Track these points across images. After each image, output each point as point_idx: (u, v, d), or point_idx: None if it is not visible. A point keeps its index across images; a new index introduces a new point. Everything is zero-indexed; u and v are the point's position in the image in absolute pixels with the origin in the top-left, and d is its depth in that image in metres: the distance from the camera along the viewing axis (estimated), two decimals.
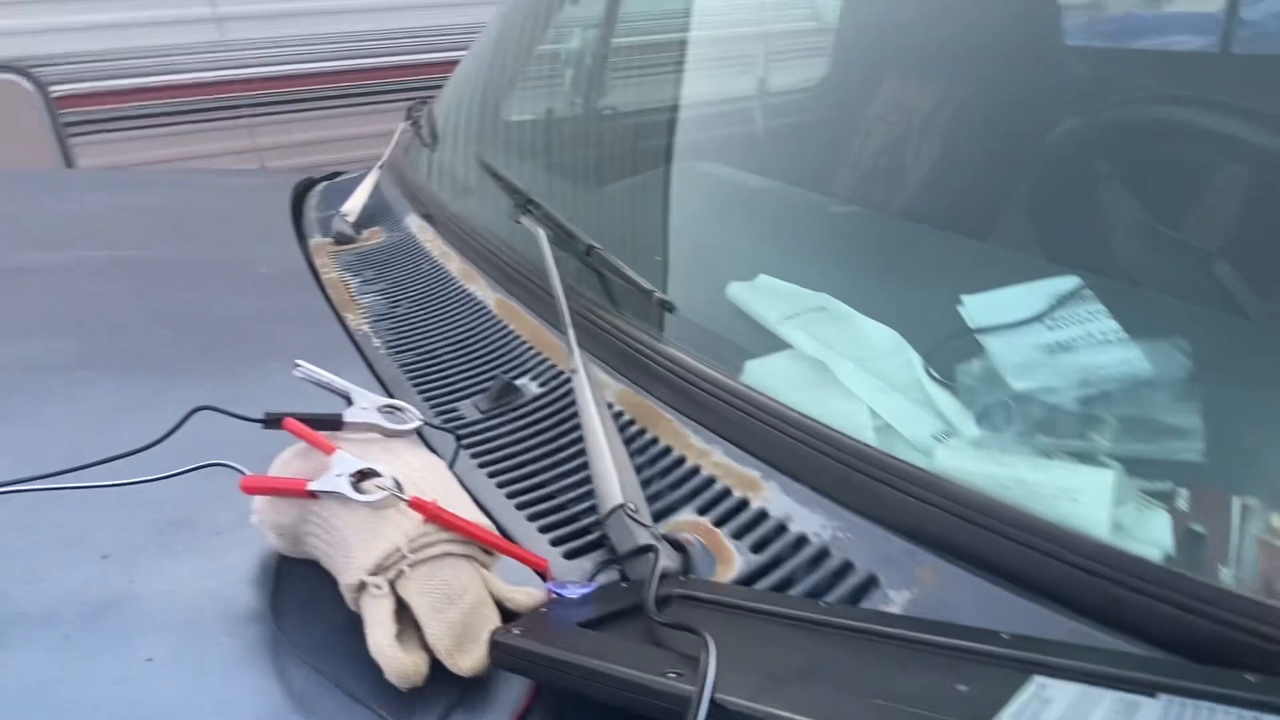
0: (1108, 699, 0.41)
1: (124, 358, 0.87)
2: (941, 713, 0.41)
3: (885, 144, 1.18)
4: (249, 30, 3.15)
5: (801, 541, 0.63)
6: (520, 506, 0.72)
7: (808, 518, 0.64)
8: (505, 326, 1.03)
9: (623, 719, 0.46)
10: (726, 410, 0.74)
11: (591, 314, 0.93)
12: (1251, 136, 0.92)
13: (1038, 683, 0.43)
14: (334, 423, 0.61)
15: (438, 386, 0.93)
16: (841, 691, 0.45)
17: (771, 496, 0.67)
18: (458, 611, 0.51)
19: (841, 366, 0.75)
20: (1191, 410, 0.63)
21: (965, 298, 0.79)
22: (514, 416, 0.86)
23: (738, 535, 0.65)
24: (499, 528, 0.69)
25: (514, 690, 0.53)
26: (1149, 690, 0.42)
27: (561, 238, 1.03)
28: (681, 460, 0.73)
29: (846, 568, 0.60)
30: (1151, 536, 0.56)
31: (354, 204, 1.51)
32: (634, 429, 0.79)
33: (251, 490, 0.56)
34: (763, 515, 0.66)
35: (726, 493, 0.69)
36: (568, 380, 0.89)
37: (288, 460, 0.59)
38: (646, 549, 0.60)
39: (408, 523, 0.52)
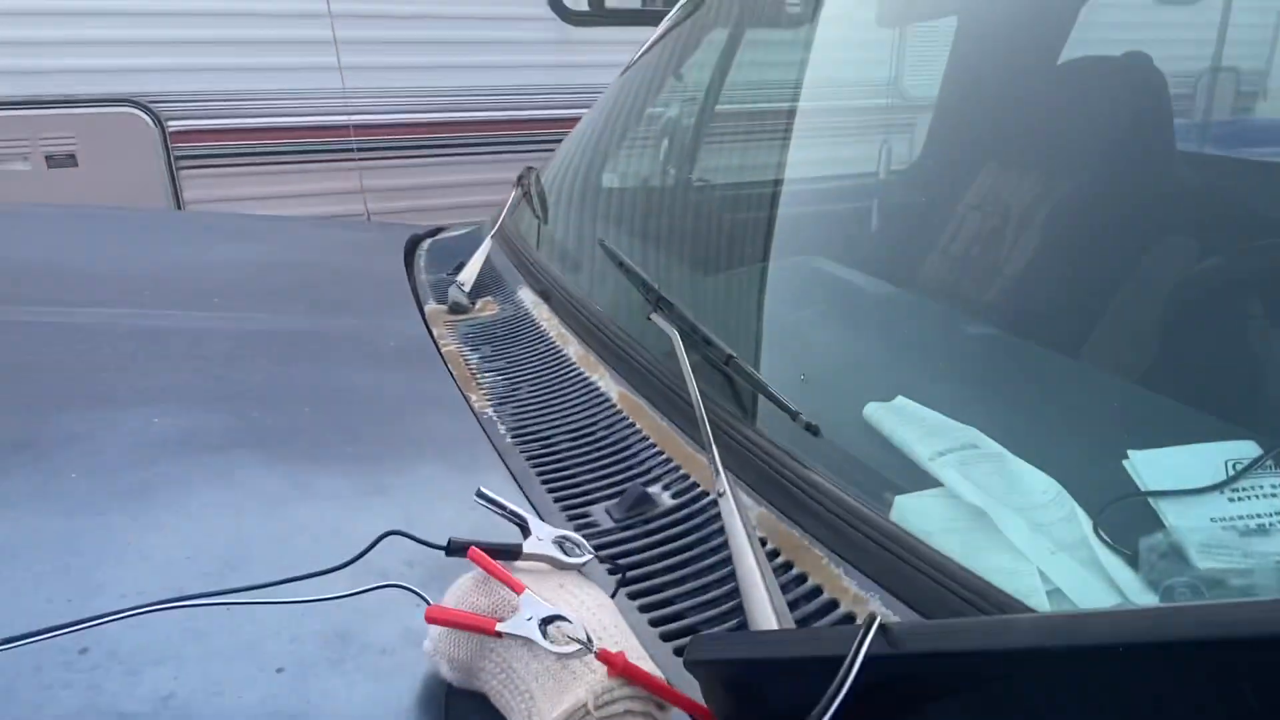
0: None
1: (273, 437, 0.90)
2: None
3: (1033, 255, 1.17)
4: (368, 80, 3.29)
5: None
6: (665, 638, 0.71)
7: None
8: (631, 424, 1.03)
9: None
10: (884, 556, 0.72)
11: (727, 425, 0.92)
12: None
13: None
14: (513, 552, 0.61)
15: (567, 486, 0.93)
16: None
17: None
18: None
19: (1004, 518, 0.73)
20: None
21: (1133, 453, 0.77)
22: (649, 529, 0.85)
23: None
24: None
25: None
26: None
27: (695, 340, 1.03)
28: (834, 604, 0.72)
29: None
30: None
31: (469, 273, 1.54)
32: (778, 561, 0.78)
33: (436, 621, 0.56)
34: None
35: None
36: (704, 494, 0.88)
37: (467, 590, 0.59)
38: None
39: (593, 676, 0.52)
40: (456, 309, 1.44)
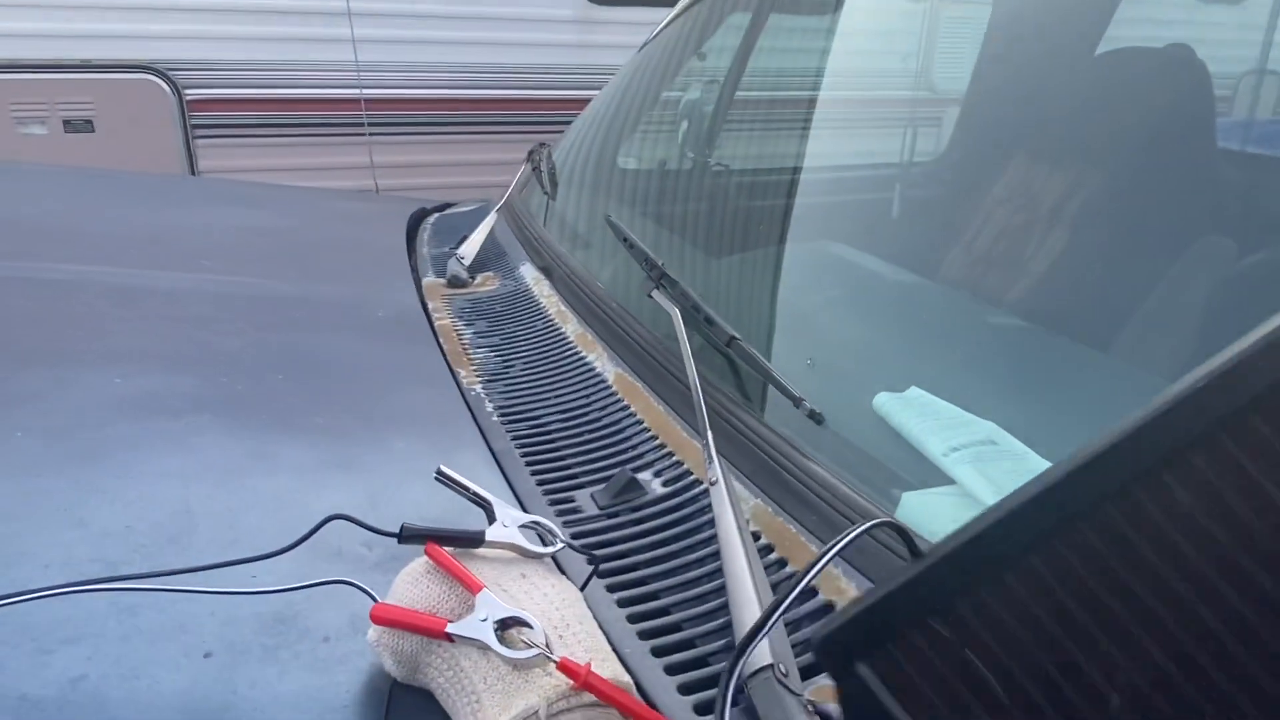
0: None
1: (239, 404, 0.84)
2: None
3: (1045, 239, 1.10)
4: (381, 54, 3.24)
5: None
6: (644, 636, 0.65)
7: None
8: (625, 407, 0.97)
9: None
10: (889, 559, 0.65)
11: (725, 410, 0.86)
12: None
13: None
14: (475, 540, 0.55)
15: (552, 469, 0.87)
16: None
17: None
18: None
19: None
20: None
21: None
22: (635, 518, 0.79)
23: None
24: (623, 662, 0.62)
25: None
26: None
27: (697, 319, 0.97)
28: (830, 607, 0.65)
29: None
30: None
31: (470, 247, 1.48)
32: (772, 557, 0.71)
33: (382, 621, 0.51)
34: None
35: None
36: (696, 483, 0.82)
37: (419, 575, 0.53)
38: None
39: (547, 681, 0.46)
40: (455, 282, 1.39)
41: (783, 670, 0.56)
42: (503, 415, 0.97)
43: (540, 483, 0.85)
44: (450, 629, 0.47)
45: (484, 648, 0.46)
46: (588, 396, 1.01)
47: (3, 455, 0.70)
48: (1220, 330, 0.93)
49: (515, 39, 3.42)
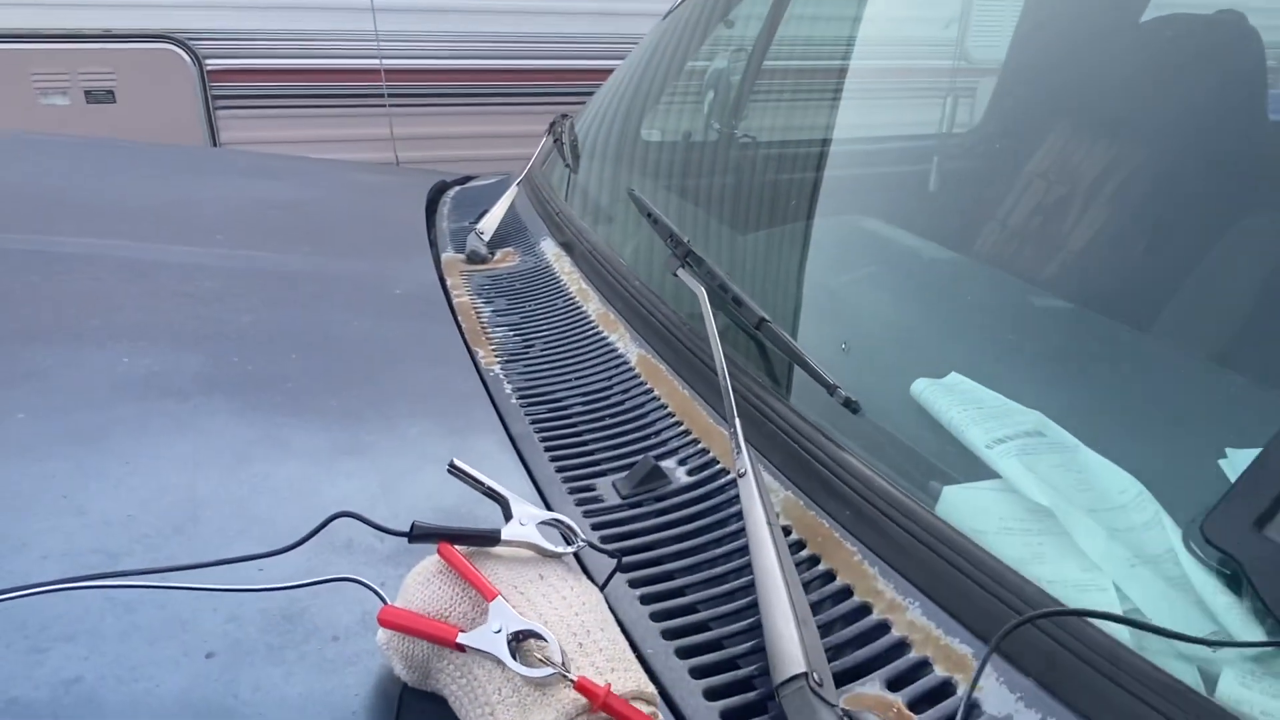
0: None
1: (248, 384, 0.81)
2: None
3: (1085, 215, 1.04)
4: (401, 23, 3.19)
5: None
6: (668, 635, 0.61)
7: None
8: (649, 391, 0.93)
9: None
10: (926, 556, 0.61)
11: (754, 396, 0.82)
12: None
13: None
14: (491, 538, 0.52)
15: (572, 454, 0.84)
16: None
17: (988, 686, 0.54)
18: None
19: (1074, 520, 0.62)
20: None
21: (1231, 451, 0.65)
22: (659, 509, 0.75)
23: None
24: (646, 666, 0.58)
25: None
26: None
27: (724, 300, 0.92)
28: (866, 609, 0.61)
29: None
30: None
31: (490, 221, 1.44)
32: (804, 554, 0.67)
33: (390, 626, 0.47)
34: (975, 710, 0.53)
35: (925, 667, 0.56)
36: (723, 472, 0.78)
37: (431, 575, 0.50)
38: None
39: (566, 695, 0.43)
40: (474, 258, 1.35)
41: (816, 679, 0.53)
42: (521, 397, 0.94)
43: (560, 469, 0.81)
44: (462, 639, 0.44)
45: (497, 662, 0.43)
46: (609, 379, 0.97)
47: (2, 437, 0.68)
48: (1272, 310, 0.87)
49: (537, 6, 3.35)
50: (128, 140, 2.09)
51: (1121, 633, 0.54)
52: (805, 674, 0.52)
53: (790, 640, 0.54)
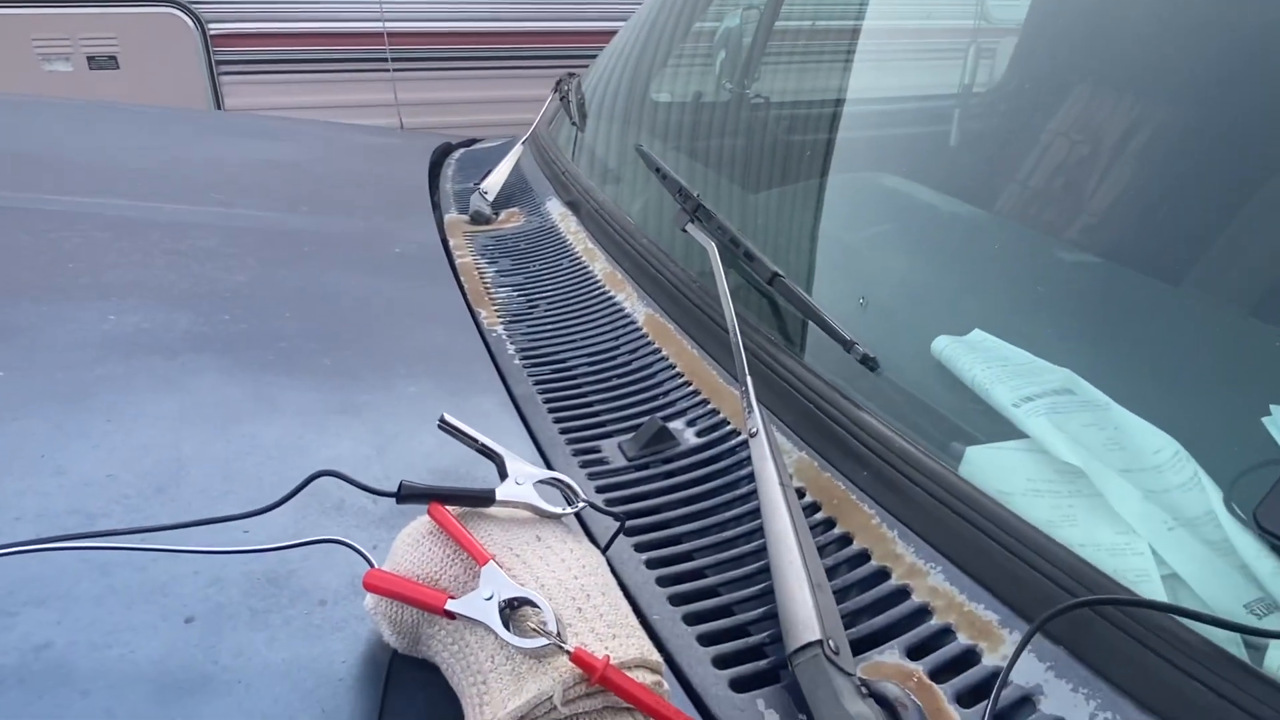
0: None
1: (239, 342, 0.78)
2: None
3: (1107, 168, 0.99)
4: None
5: None
6: (675, 601, 0.58)
7: (1070, 698, 0.48)
8: (657, 351, 0.90)
9: None
10: (949, 519, 0.58)
11: (766, 354, 0.78)
12: None
13: None
14: (485, 499, 0.48)
15: (576, 415, 0.80)
16: None
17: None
18: None
19: (1107, 480, 0.58)
20: None
21: (1276, 408, 0.61)
22: (666, 471, 0.72)
23: (964, 701, 0.49)
24: (652, 632, 0.55)
25: None
26: None
27: (735, 255, 0.89)
28: (884, 574, 0.58)
29: None
30: None
31: (494, 181, 1.40)
32: (818, 517, 0.64)
33: (376, 590, 0.44)
34: (999, 678, 0.50)
35: (948, 634, 0.53)
36: (734, 434, 0.75)
37: (419, 540, 0.47)
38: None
39: (562, 665, 0.40)
40: (478, 219, 1.31)
41: (832, 647, 0.49)
42: (525, 358, 0.90)
43: (563, 430, 0.78)
44: (451, 606, 0.41)
45: (490, 628, 0.40)
46: (616, 339, 0.94)
47: None
48: None
49: None
50: (126, 102, 2.05)
51: (1159, 597, 0.50)
52: (820, 641, 0.49)
53: (804, 606, 0.51)
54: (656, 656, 0.44)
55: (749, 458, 0.67)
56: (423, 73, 3.28)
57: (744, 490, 0.68)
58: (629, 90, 1.65)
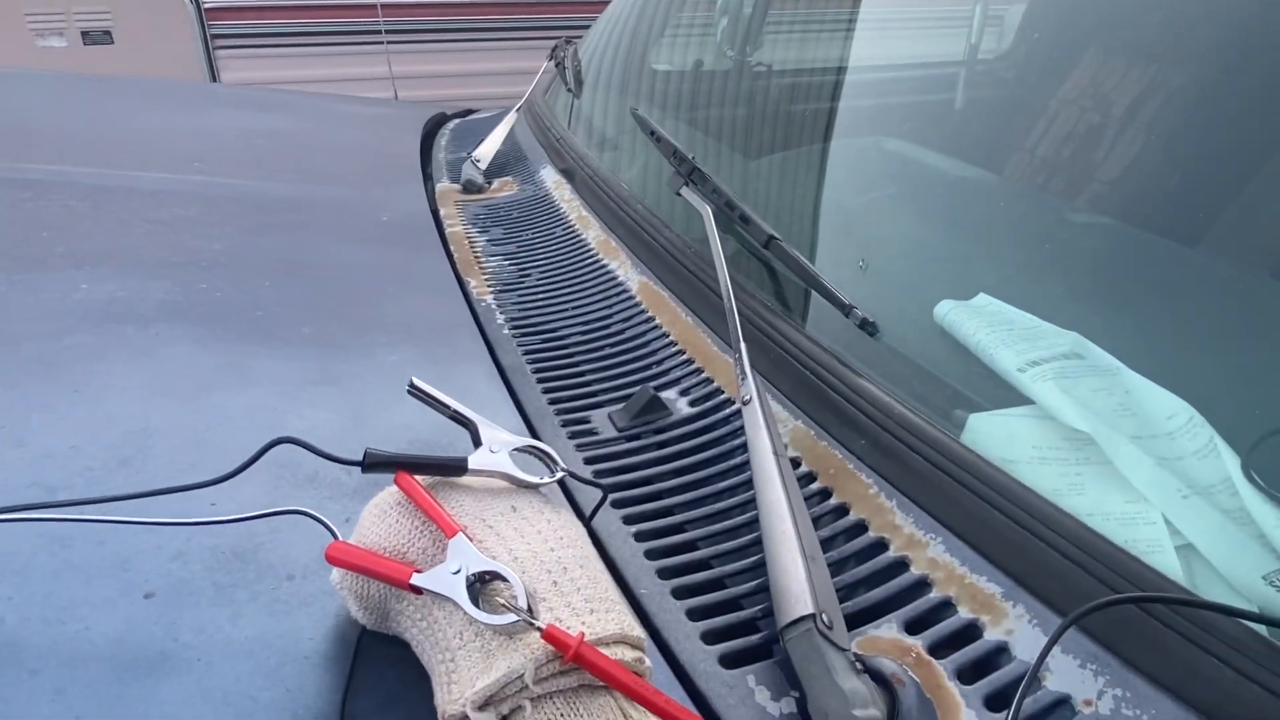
0: None
1: (216, 311, 0.76)
2: None
3: (1119, 130, 0.95)
4: None
5: (1065, 708, 0.45)
6: (663, 574, 0.56)
7: (1076, 673, 0.45)
8: (650, 319, 0.87)
9: None
10: (950, 488, 0.55)
11: (762, 320, 0.75)
12: None
13: None
14: (456, 468, 0.46)
15: (566, 386, 0.78)
16: None
17: (1018, 630, 0.48)
18: None
19: (1117, 447, 0.55)
20: None
21: None
22: (657, 441, 0.70)
23: (965, 678, 0.47)
24: (639, 606, 0.53)
25: None
26: None
27: (731, 219, 0.85)
28: (882, 545, 0.55)
29: None
30: None
31: (487, 149, 1.37)
32: (814, 487, 0.61)
33: (338, 563, 0.42)
34: (1002, 653, 0.48)
35: (948, 607, 0.51)
36: (728, 402, 0.72)
37: (386, 511, 0.44)
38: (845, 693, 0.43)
39: (534, 641, 0.37)
40: (470, 187, 1.28)
41: (826, 621, 0.47)
42: (514, 328, 0.88)
43: (552, 401, 0.75)
44: (417, 580, 0.39)
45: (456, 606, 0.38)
46: (609, 308, 0.91)
47: None
48: None
49: None
50: (112, 75, 2.02)
51: (1175, 572, 0.48)
52: (813, 615, 0.47)
53: (797, 579, 0.49)
54: (638, 632, 0.41)
55: (743, 427, 0.65)
56: (417, 44, 3.23)
57: (738, 460, 0.66)
58: (627, 57, 1.61)
